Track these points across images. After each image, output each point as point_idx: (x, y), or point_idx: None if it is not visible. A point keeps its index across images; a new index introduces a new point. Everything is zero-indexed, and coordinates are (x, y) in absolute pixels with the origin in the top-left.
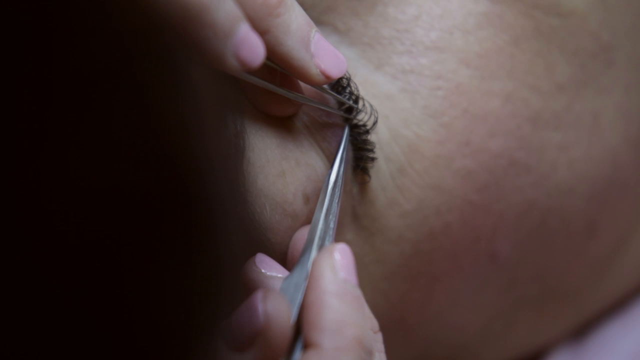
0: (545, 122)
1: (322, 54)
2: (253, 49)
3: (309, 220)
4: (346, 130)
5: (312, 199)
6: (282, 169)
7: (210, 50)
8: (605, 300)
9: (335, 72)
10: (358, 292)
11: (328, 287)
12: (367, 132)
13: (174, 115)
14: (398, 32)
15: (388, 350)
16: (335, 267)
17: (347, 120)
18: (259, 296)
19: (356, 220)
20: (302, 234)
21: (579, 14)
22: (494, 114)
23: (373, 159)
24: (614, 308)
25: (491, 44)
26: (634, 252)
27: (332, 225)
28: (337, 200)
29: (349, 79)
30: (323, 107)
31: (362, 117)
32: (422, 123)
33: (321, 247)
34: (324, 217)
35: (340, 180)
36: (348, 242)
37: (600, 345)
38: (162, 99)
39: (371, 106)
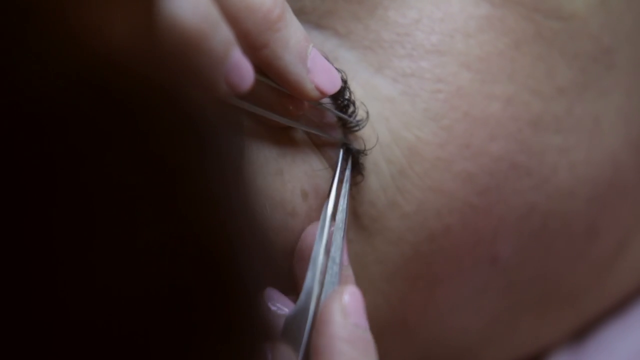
0: (546, 126)
1: (318, 70)
2: (243, 74)
3: (308, 217)
4: (340, 156)
5: (310, 194)
6: (279, 167)
7: (204, 76)
8: (606, 302)
9: (329, 89)
10: (369, 337)
11: (339, 332)
12: (358, 127)
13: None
14: (399, 36)
15: (389, 352)
16: (345, 311)
17: (344, 131)
18: (266, 348)
19: (357, 219)
20: (309, 231)
21: (580, 18)
22: (495, 117)
23: (364, 152)
24: (613, 309)
25: (492, 48)
26: (634, 254)
27: (337, 260)
28: (342, 234)
29: (345, 81)
30: (315, 132)
31: (356, 118)
32: (422, 126)
33: (322, 282)
34: (324, 250)
35: (344, 214)
36: (349, 242)
37: (599, 346)
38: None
39: (367, 113)
